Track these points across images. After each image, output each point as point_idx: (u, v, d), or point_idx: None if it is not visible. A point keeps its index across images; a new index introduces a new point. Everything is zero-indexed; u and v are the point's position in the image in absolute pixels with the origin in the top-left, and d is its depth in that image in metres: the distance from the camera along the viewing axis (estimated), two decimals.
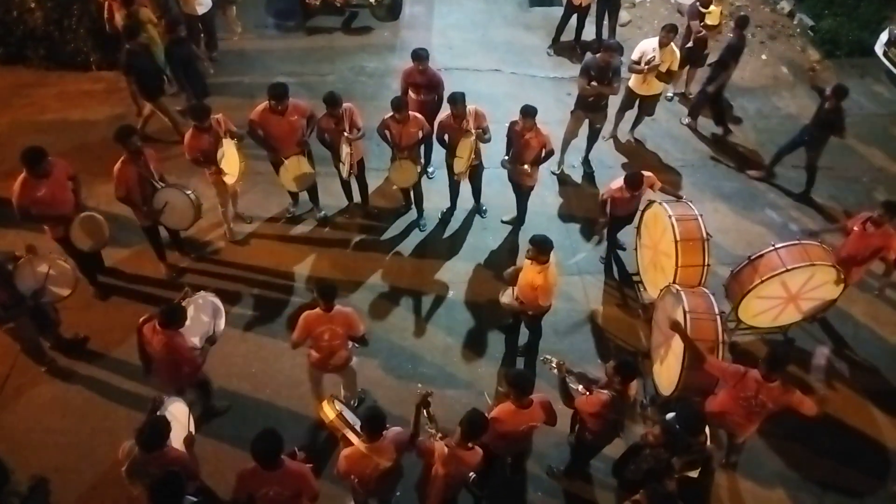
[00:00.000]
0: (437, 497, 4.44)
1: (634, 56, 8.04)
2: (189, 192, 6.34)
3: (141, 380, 5.97)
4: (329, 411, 4.75)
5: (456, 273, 7.22)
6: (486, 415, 4.74)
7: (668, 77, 8.12)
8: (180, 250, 7.04)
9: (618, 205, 6.64)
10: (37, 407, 5.87)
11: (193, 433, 4.82)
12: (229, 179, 6.73)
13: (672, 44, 7.89)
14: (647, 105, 8.49)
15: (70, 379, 6.06)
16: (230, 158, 6.61)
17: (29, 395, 5.93)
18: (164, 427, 4.30)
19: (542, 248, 5.45)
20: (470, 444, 4.35)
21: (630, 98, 8.42)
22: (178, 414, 4.82)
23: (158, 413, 4.60)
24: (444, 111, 6.88)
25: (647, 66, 7.90)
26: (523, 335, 6.37)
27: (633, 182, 6.37)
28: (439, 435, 4.50)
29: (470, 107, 6.74)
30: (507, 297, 6.02)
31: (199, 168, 6.69)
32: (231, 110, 6.99)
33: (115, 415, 5.82)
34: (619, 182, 6.53)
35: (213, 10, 9.33)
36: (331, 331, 5.10)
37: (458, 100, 6.61)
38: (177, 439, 4.52)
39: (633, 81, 8.27)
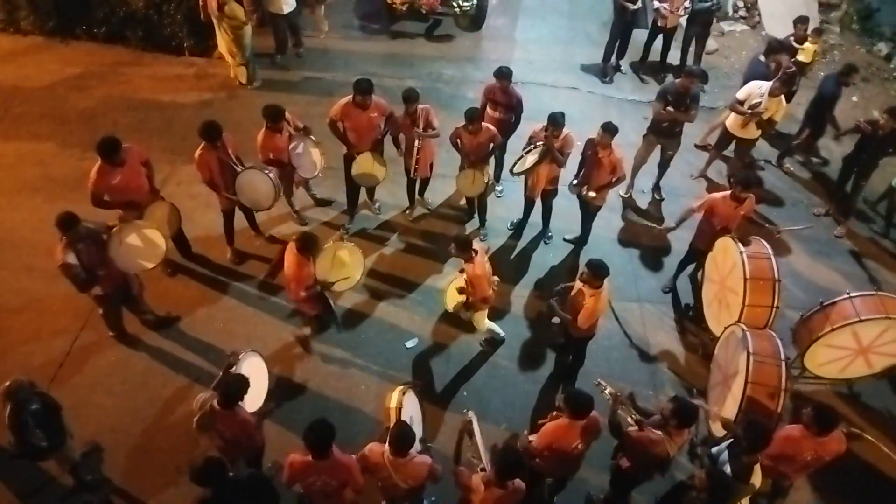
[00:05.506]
0: None
1: (740, 96, 7.72)
2: (269, 172, 6.49)
3: (199, 354, 6.24)
4: (395, 399, 4.71)
5: (512, 287, 7.17)
6: (527, 441, 4.73)
7: (767, 125, 7.75)
8: (255, 230, 7.22)
9: (716, 216, 6.40)
10: (100, 368, 6.13)
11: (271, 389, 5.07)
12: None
13: (782, 96, 7.60)
14: (743, 149, 8.12)
15: (135, 346, 6.30)
16: (314, 158, 6.82)
17: (95, 357, 6.20)
18: (243, 386, 4.49)
19: (597, 272, 5.33)
20: (507, 484, 4.15)
21: (726, 138, 8.12)
22: (255, 371, 4.97)
23: (233, 370, 4.78)
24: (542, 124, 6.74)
25: (749, 111, 7.61)
26: None
27: (742, 181, 6.21)
28: (481, 466, 4.41)
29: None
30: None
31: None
32: (310, 105, 7.19)
33: (172, 384, 6.03)
34: (723, 192, 6.42)
35: (298, 9, 9.60)
36: None
37: (558, 123, 6.48)
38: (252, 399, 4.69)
39: (730, 121, 7.95)
